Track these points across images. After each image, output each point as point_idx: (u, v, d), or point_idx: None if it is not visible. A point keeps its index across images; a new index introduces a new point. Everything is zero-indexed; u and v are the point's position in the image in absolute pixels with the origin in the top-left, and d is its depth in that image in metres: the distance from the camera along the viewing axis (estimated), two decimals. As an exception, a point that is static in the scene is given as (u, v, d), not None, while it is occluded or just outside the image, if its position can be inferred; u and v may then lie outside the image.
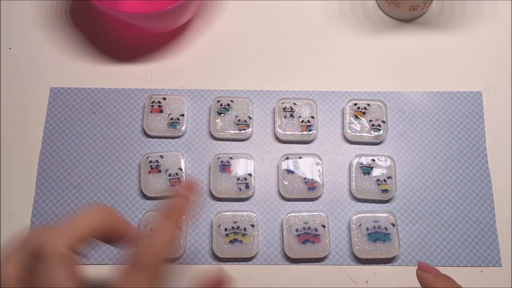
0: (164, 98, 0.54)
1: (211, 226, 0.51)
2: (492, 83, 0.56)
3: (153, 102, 0.54)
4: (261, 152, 0.54)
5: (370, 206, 0.52)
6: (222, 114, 0.54)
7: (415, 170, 0.53)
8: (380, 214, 0.50)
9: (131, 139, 0.54)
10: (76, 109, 0.55)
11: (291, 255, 0.49)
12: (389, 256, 0.49)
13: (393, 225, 0.50)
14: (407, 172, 0.53)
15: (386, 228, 0.50)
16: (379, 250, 0.49)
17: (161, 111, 0.54)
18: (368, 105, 0.54)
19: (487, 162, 0.53)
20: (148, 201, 0.52)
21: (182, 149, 0.54)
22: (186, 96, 0.56)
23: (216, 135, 0.54)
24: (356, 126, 0.54)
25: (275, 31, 0.59)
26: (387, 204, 0.52)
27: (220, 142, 0.54)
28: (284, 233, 0.50)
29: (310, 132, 0.53)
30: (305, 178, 0.51)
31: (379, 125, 0.53)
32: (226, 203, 0.52)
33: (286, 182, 0.51)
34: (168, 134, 0.54)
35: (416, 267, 0.42)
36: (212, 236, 0.50)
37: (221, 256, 0.49)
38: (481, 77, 0.57)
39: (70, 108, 0.55)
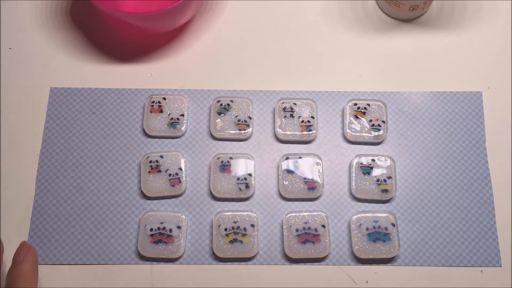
0: (164, 98, 0.54)
1: (211, 226, 0.51)
2: (492, 83, 0.56)
3: (153, 102, 0.54)
4: (261, 152, 0.54)
5: (370, 206, 0.52)
6: (222, 114, 0.54)
7: (415, 170, 0.53)
8: (380, 214, 0.50)
9: (131, 139, 0.54)
10: (76, 109, 0.55)
11: (291, 255, 0.49)
12: (389, 256, 0.49)
13: (393, 225, 0.50)
14: (407, 172, 0.53)
15: (386, 228, 0.50)
16: (379, 250, 0.49)
17: (161, 111, 0.54)
18: (368, 105, 0.54)
19: (487, 162, 0.53)
20: (148, 201, 0.52)
21: (182, 149, 0.54)
22: (186, 96, 0.56)
23: (216, 135, 0.54)
24: (356, 126, 0.54)
25: (275, 31, 0.59)
26: (387, 204, 0.52)
27: (220, 142, 0.54)
28: (284, 233, 0.50)
29: (310, 132, 0.53)
30: (305, 178, 0.51)
31: (379, 125, 0.53)
32: (226, 203, 0.52)
33: (286, 182, 0.51)
34: (168, 134, 0.54)
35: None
36: (212, 236, 0.50)
37: (221, 256, 0.49)
38: (481, 77, 0.57)
39: (70, 108, 0.55)
